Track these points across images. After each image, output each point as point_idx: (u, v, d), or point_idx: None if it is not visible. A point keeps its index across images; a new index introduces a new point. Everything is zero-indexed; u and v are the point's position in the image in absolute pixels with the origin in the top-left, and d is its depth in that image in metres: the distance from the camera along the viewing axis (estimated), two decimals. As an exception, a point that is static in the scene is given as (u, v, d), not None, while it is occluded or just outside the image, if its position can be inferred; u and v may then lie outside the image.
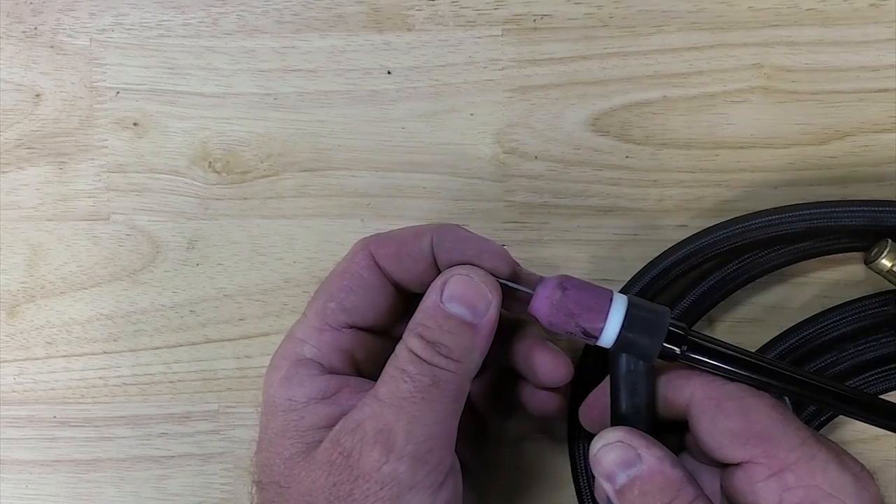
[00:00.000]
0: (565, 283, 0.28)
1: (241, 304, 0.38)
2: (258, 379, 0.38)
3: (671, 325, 0.28)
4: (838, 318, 0.35)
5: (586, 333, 0.28)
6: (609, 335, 0.27)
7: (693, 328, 0.35)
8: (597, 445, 0.28)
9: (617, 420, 0.28)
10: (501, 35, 0.36)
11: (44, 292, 0.39)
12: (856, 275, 0.36)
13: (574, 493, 0.35)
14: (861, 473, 0.27)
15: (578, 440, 0.35)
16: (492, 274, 0.29)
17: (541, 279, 0.28)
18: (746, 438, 0.27)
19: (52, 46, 0.38)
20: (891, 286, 0.34)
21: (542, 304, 0.28)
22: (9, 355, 0.39)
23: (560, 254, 0.37)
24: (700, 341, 0.28)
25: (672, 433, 0.30)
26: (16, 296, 0.39)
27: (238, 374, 0.38)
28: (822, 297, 0.36)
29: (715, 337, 0.29)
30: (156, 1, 0.38)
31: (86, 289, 0.39)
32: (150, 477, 0.39)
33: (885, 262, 0.33)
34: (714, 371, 0.28)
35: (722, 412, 0.27)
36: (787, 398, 0.29)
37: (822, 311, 0.35)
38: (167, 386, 0.39)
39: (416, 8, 0.37)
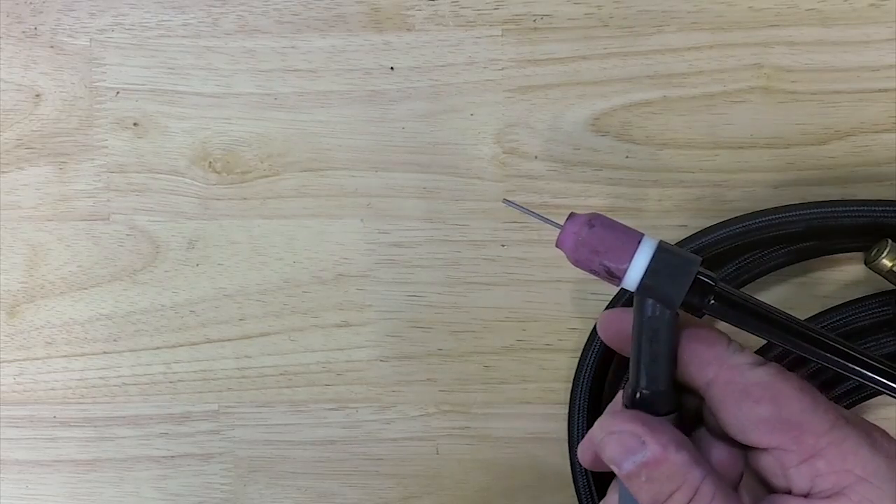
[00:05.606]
0: (594, 220, 0.27)
1: (241, 304, 0.38)
2: (258, 379, 0.38)
3: (699, 273, 0.27)
4: (838, 318, 0.35)
5: (610, 273, 0.27)
6: (633, 277, 0.27)
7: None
8: (600, 434, 0.27)
9: (634, 362, 0.27)
10: (501, 35, 0.36)
11: (44, 292, 0.39)
12: (856, 275, 0.36)
13: (574, 493, 0.35)
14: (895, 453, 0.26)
15: (578, 440, 0.35)
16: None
17: (571, 214, 0.28)
18: (775, 425, 0.26)
19: (52, 46, 0.38)
20: (891, 286, 0.34)
21: (568, 239, 0.27)
22: (9, 355, 0.39)
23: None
24: (729, 294, 0.27)
25: (692, 396, 0.29)
26: (16, 296, 0.39)
27: (238, 374, 0.38)
28: (822, 297, 0.36)
29: (747, 293, 0.28)
30: (156, 1, 0.38)
31: (86, 289, 0.39)
32: (150, 477, 0.39)
33: (885, 262, 0.33)
34: (742, 327, 0.27)
35: (749, 398, 0.26)
36: None
37: (822, 311, 0.35)
38: (167, 386, 0.39)
39: (416, 8, 0.37)
